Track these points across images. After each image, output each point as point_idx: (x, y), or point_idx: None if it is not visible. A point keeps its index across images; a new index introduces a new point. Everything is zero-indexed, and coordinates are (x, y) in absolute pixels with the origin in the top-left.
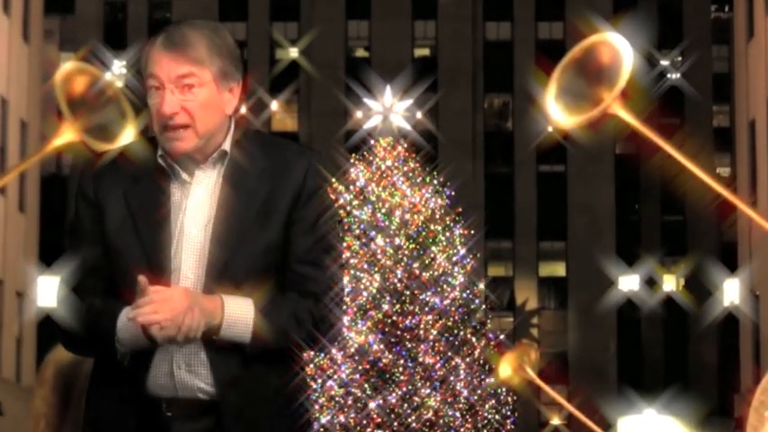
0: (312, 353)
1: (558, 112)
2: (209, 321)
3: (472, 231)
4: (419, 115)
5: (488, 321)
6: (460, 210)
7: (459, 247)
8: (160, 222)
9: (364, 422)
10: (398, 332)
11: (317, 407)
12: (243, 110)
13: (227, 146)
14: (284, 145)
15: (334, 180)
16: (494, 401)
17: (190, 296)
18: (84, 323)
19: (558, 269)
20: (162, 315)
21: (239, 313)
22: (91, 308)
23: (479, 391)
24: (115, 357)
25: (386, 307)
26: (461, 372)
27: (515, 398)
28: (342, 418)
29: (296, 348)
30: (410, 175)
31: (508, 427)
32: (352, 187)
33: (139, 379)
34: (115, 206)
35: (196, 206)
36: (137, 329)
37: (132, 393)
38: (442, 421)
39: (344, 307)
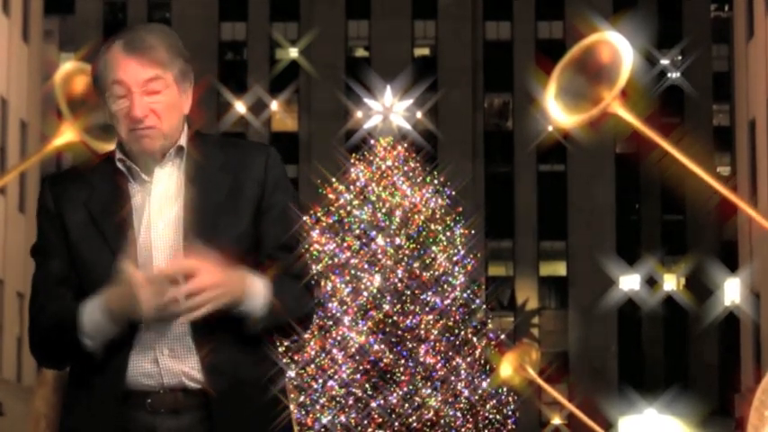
0: (313, 353)
1: (558, 112)
2: (235, 293)
3: (472, 231)
4: (419, 115)
5: (489, 321)
6: (461, 209)
7: (459, 247)
8: (124, 224)
9: (365, 422)
10: (399, 332)
11: (317, 407)
12: (244, 110)
13: (182, 142)
14: (240, 142)
15: (334, 180)
16: (495, 401)
17: (224, 277)
18: (49, 330)
19: (559, 269)
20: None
21: (258, 286)
22: (55, 313)
23: (480, 391)
24: (88, 356)
25: (386, 307)
26: (462, 372)
27: (516, 397)
28: (343, 418)
29: (292, 328)
30: (410, 174)
31: (509, 426)
32: (352, 187)
33: (120, 372)
34: (76, 214)
35: (160, 203)
36: (103, 319)
37: (112, 390)
38: (442, 421)
39: (344, 307)
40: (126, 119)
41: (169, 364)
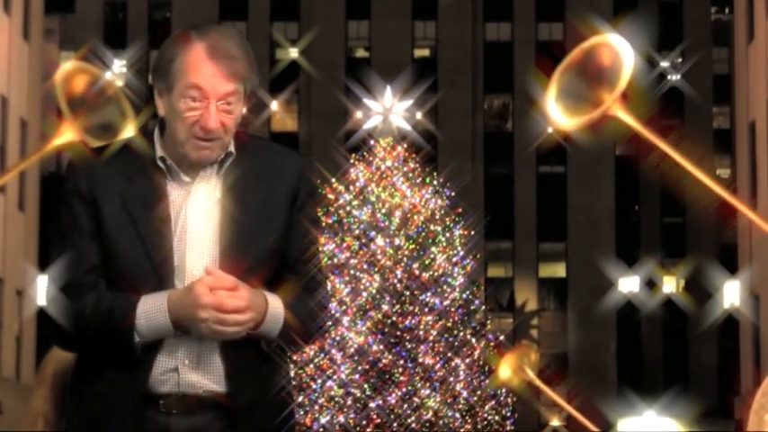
0: (312, 353)
1: (558, 114)
2: (256, 317)
3: (472, 232)
4: (419, 116)
5: (488, 322)
6: (460, 210)
7: (458, 248)
8: (161, 222)
9: (364, 422)
10: (398, 333)
11: (316, 407)
12: (244, 110)
13: (231, 148)
14: (276, 148)
15: (334, 180)
16: (493, 402)
17: (250, 296)
18: (90, 318)
19: (558, 270)
20: (233, 320)
21: (276, 308)
22: (98, 302)
23: (479, 392)
24: (118, 351)
25: (386, 307)
26: (461, 372)
27: (515, 399)
28: (341, 419)
29: (307, 342)
30: (410, 175)
31: (508, 427)
32: (351, 187)
33: (144, 375)
34: (111, 205)
35: (198, 206)
36: (163, 320)
37: (134, 392)
38: (441, 422)
39: (344, 307)
40: (195, 125)
41: (189, 374)
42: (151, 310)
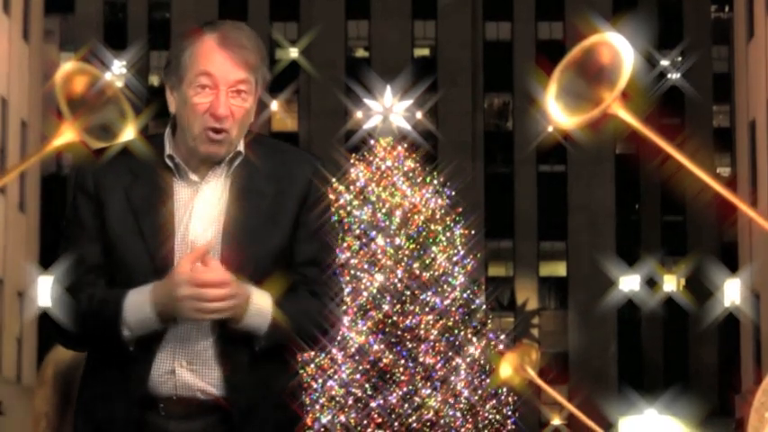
0: (313, 353)
1: (558, 113)
2: (238, 293)
3: (472, 231)
4: (419, 115)
5: (489, 321)
6: (461, 210)
7: (459, 247)
8: (164, 220)
9: (365, 422)
10: (399, 332)
11: (317, 407)
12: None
13: (241, 147)
14: (288, 149)
15: (334, 180)
16: (494, 401)
17: (224, 270)
18: (84, 314)
19: (559, 269)
20: (216, 304)
21: (261, 303)
22: (92, 297)
23: (480, 392)
24: (115, 348)
25: (386, 307)
26: (462, 372)
27: (516, 398)
28: (342, 418)
29: (303, 345)
30: (410, 175)
31: (509, 427)
32: (352, 187)
33: (142, 376)
34: (116, 202)
35: (204, 206)
36: (148, 309)
37: (133, 393)
38: (442, 421)
39: (344, 307)
40: (205, 114)
41: (186, 376)
42: (136, 300)
